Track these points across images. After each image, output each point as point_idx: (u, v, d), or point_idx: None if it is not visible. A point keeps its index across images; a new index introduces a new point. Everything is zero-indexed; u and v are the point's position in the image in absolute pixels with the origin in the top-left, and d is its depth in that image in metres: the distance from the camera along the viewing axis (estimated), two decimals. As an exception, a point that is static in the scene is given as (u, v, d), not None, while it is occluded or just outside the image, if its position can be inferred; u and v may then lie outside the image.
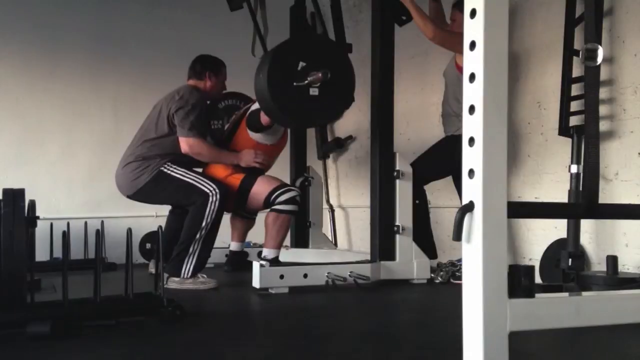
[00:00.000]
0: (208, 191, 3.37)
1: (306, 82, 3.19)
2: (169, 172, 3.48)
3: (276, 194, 3.55)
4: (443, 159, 3.68)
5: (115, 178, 3.65)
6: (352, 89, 3.41)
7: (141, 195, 3.57)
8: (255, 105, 3.61)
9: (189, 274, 3.32)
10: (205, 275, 3.37)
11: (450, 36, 3.54)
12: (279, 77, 3.18)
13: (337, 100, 3.37)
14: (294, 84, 3.18)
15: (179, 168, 3.48)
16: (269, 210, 3.60)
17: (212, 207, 3.35)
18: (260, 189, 3.58)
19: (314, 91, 3.20)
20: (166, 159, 3.50)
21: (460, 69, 3.60)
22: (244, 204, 3.66)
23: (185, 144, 3.48)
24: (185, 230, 3.37)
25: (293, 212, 3.59)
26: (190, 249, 3.34)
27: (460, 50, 3.59)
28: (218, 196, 3.36)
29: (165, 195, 3.55)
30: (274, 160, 3.91)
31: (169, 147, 3.52)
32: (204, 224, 3.34)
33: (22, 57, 4.78)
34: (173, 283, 3.30)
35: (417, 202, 3.59)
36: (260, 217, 3.87)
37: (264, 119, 3.51)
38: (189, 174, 3.46)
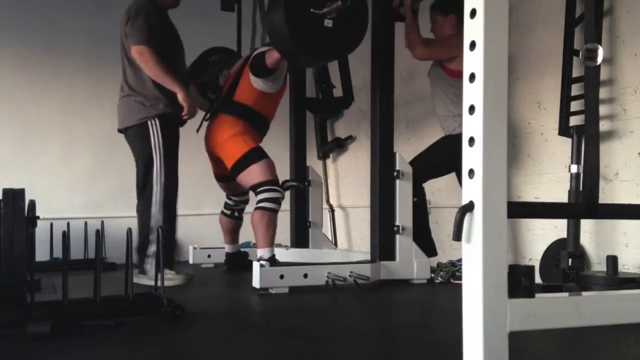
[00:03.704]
0: (154, 190, 3.33)
1: (324, 10, 3.10)
2: (150, 132, 3.37)
3: (264, 187, 3.58)
4: (440, 159, 3.68)
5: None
6: (365, 26, 3.31)
7: (126, 135, 3.51)
8: (260, 51, 3.63)
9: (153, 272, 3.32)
10: (173, 272, 3.35)
11: (433, 50, 3.65)
12: (296, 3, 3.11)
13: (350, 36, 3.27)
14: (311, 10, 3.09)
15: (160, 136, 3.36)
16: (254, 209, 3.61)
17: (156, 207, 3.33)
18: (258, 170, 3.60)
19: (328, 23, 3.12)
20: (158, 111, 3.37)
21: (448, 72, 3.62)
22: (238, 172, 3.65)
23: (135, 51, 3.31)
24: (139, 232, 3.36)
25: (275, 210, 3.59)
26: (148, 251, 3.33)
27: (445, 58, 3.61)
28: (159, 197, 3.33)
29: (135, 149, 3.47)
30: (275, 109, 3.93)
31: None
32: (152, 223, 3.33)
33: (22, 57, 4.78)
34: (141, 279, 3.27)
35: (415, 199, 3.59)
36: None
37: (271, 59, 3.49)
38: (159, 151, 3.35)
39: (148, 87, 3.38)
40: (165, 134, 3.40)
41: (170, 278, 3.27)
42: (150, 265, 3.32)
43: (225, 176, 3.86)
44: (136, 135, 3.42)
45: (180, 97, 3.35)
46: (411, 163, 3.59)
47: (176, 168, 3.48)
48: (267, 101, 3.79)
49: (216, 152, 3.78)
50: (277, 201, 3.60)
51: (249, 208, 3.82)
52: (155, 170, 3.36)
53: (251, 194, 3.78)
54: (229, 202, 4.14)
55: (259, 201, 3.59)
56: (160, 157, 3.36)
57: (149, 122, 3.38)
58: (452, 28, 3.64)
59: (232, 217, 4.15)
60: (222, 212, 4.18)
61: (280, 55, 3.42)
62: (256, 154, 3.65)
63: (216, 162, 3.87)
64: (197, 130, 3.87)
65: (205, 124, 3.89)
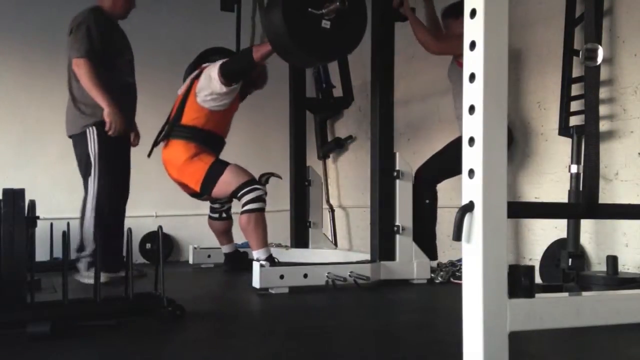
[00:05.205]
0: (89, 196, 3.45)
1: (322, 11, 3.11)
2: (88, 139, 3.46)
3: (243, 190, 3.54)
4: (455, 158, 3.65)
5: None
6: (364, 28, 3.31)
7: (73, 141, 3.58)
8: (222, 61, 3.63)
9: (86, 268, 3.41)
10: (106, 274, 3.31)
11: (448, 44, 3.64)
12: (294, 2, 3.10)
13: (348, 37, 3.27)
14: (309, 10, 3.09)
15: (97, 143, 3.44)
16: (239, 213, 3.58)
17: (90, 213, 3.45)
18: (229, 179, 3.58)
19: (326, 23, 3.13)
20: (97, 118, 3.42)
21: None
22: (210, 189, 3.63)
23: (74, 63, 3.41)
24: (80, 231, 3.47)
25: (261, 209, 3.56)
26: (83, 253, 3.43)
27: (460, 52, 3.60)
28: (93, 203, 3.44)
29: (77, 155, 3.56)
30: (228, 125, 3.92)
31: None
32: (85, 228, 3.43)
33: (22, 56, 4.78)
34: (75, 276, 3.40)
35: (427, 201, 3.57)
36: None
37: (258, 52, 3.43)
38: (95, 159, 3.44)
39: (87, 95, 3.44)
40: (103, 141, 3.46)
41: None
42: (82, 265, 3.44)
43: (198, 193, 3.81)
44: (77, 143, 3.53)
45: (105, 112, 3.38)
46: (425, 164, 3.57)
47: (115, 174, 3.54)
48: (218, 119, 3.75)
49: (178, 178, 3.76)
50: (261, 199, 3.55)
51: (238, 207, 3.77)
52: (92, 177, 3.47)
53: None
54: (214, 205, 4.12)
55: (243, 205, 3.54)
56: (96, 164, 3.46)
57: (87, 130, 3.47)
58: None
59: (221, 219, 4.14)
60: (210, 217, 4.17)
61: (274, 52, 3.35)
62: (218, 166, 3.62)
63: (182, 185, 3.83)
64: (149, 155, 3.82)
65: (158, 148, 3.83)
